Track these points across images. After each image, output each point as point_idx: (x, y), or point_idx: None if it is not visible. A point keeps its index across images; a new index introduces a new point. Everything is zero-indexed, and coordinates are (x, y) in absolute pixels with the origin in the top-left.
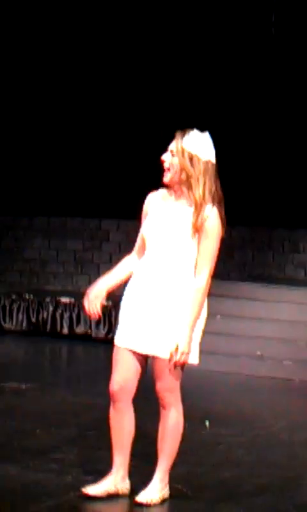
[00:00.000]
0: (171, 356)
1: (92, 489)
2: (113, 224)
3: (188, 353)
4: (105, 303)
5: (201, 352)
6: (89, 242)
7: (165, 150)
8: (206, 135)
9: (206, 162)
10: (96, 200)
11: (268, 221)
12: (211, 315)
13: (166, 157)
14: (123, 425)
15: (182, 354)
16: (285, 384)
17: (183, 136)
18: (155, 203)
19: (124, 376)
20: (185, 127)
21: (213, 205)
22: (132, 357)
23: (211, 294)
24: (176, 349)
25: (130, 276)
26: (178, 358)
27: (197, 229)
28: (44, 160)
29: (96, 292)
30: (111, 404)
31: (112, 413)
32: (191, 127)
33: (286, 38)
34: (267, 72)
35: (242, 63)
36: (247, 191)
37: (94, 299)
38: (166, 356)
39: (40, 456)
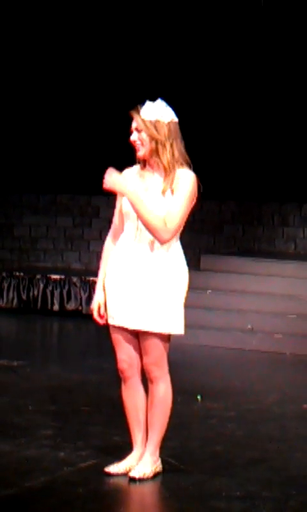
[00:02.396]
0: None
1: (114, 468)
2: (103, 200)
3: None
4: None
5: (188, 325)
6: (79, 218)
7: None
8: (159, 101)
9: (169, 124)
10: (86, 176)
11: (258, 196)
12: (201, 290)
13: (134, 136)
14: (137, 401)
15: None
16: (276, 357)
17: (137, 111)
18: (131, 179)
19: (128, 352)
20: (174, 102)
21: (184, 166)
22: (127, 333)
23: (201, 269)
24: None
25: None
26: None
27: (171, 190)
28: (33, 136)
29: (99, 304)
30: (122, 383)
31: (125, 391)
32: (180, 102)
33: (275, 8)
34: (255, 44)
35: (230, 35)
36: (237, 166)
37: (100, 309)
38: (152, 330)
39: (33, 432)
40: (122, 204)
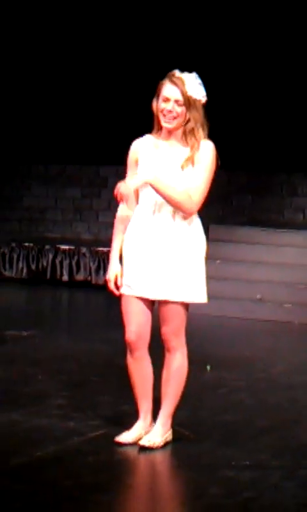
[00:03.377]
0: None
1: (124, 437)
2: (111, 170)
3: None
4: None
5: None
6: (88, 189)
7: (156, 94)
8: (195, 75)
9: (204, 104)
10: (94, 147)
11: (266, 166)
12: (211, 260)
13: (170, 106)
14: (143, 372)
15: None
16: (285, 327)
17: (182, 82)
18: (146, 150)
19: (138, 324)
20: (184, 70)
21: (205, 138)
22: (142, 304)
23: (210, 239)
24: None
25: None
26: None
27: (193, 162)
28: (41, 108)
29: (116, 274)
30: (129, 354)
31: (132, 362)
32: (188, 70)
33: None
34: (263, 13)
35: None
36: (246, 136)
37: (117, 280)
38: (176, 299)
39: (43, 402)
40: (138, 172)
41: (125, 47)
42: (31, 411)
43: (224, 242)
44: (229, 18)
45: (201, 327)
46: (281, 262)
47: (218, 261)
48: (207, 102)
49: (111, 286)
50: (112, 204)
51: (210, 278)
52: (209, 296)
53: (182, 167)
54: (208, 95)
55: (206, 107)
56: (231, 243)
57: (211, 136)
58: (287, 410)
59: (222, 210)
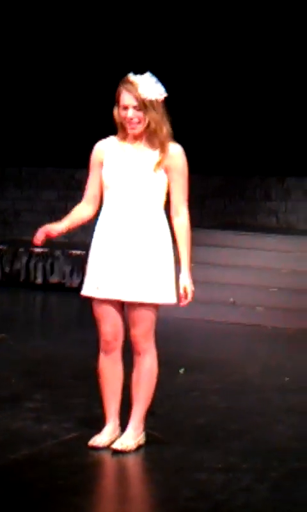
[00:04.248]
0: (180, 299)
1: (98, 441)
2: (87, 174)
3: (193, 291)
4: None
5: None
6: (63, 191)
7: (114, 103)
8: (149, 75)
9: (162, 101)
10: (70, 150)
11: (240, 170)
12: None
13: (130, 114)
14: (116, 373)
15: (192, 292)
16: (258, 330)
17: (134, 87)
18: (111, 151)
19: (114, 324)
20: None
21: (172, 140)
22: (114, 306)
23: None
24: (185, 291)
25: (81, 224)
26: (189, 298)
27: (163, 165)
28: (16, 110)
29: (47, 228)
30: (103, 354)
31: (106, 363)
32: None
33: None
34: (246, 14)
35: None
36: (220, 140)
37: (43, 231)
38: (146, 300)
39: (16, 405)
40: (103, 175)
41: (96, 53)
42: (4, 414)
43: (198, 245)
44: (207, 22)
45: (174, 330)
46: (254, 265)
47: (192, 264)
48: (180, 104)
49: (38, 234)
50: None
51: None
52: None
53: (154, 170)
54: (183, 99)
55: (181, 110)
56: (204, 246)
57: (186, 140)
58: (259, 413)
59: (196, 213)
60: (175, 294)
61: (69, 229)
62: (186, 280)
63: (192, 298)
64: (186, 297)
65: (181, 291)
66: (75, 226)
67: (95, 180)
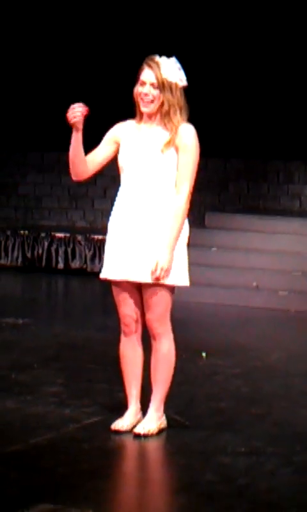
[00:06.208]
0: (152, 274)
1: (120, 424)
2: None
3: (168, 270)
4: None
5: (193, 283)
6: None
7: (136, 79)
8: (174, 60)
9: (182, 88)
10: (90, 135)
11: (263, 153)
12: (206, 247)
13: (146, 89)
14: (136, 357)
15: (161, 270)
16: (281, 314)
17: (158, 66)
18: (128, 133)
19: (132, 307)
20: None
21: (186, 122)
22: (131, 289)
23: (206, 227)
24: (156, 265)
25: (77, 166)
26: (158, 273)
27: (174, 145)
28: (38, 95)
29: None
30: (123, 337)
31: (126, 346)
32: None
33: None
34: (258, 4)
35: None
36: (242, 123)
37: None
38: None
39: (38, 390)
40: (119, 158)
41: (109, 35)
42: (26, 398)
43: (220, 229)
44: (223, 9)
45: (196, 315)
46: (277, 249)
47: (214, 248)
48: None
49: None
50: (108, 192)
51: (206, 265)
52: (205, 284)
53: (162, 151)
54: (204, 83)
55: (204, 95)
56: (227, 230)
57: (207, 124)
58: (283, 397)
59: (218, 197)
60: (188, 276)
61: (78, 152)
62: (161, 256)
63: (162, 277)
64: (156, 271)
65: (153, 266)
66: (79, 158)
67: (100, 151)
